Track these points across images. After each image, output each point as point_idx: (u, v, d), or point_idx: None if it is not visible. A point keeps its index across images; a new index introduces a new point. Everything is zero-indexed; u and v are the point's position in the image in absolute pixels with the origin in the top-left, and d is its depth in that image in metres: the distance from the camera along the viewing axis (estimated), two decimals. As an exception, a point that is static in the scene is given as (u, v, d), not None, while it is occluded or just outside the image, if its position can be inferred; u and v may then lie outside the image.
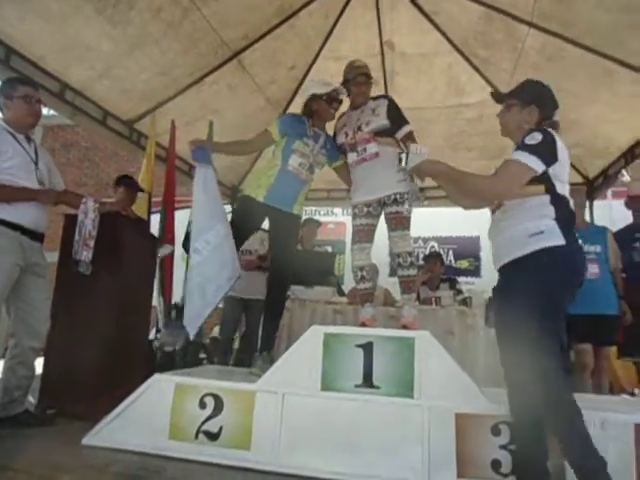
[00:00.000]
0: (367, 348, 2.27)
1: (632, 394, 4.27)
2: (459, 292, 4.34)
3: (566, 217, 1.89)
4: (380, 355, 2.25)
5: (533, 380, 1.75)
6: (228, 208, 4.08)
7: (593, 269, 3.51)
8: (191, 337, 2.95)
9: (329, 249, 6.61)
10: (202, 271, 2.69)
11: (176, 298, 4.32)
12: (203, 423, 2.30)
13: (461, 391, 2.16)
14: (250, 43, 4.18)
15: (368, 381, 2.23)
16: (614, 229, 3.92)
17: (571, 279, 1.88)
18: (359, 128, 2.79)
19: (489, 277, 2.19)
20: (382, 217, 2.82)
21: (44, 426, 2.62)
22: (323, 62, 4.65)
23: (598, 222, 4.44)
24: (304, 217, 3.57)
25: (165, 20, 3.49)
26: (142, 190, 4.01)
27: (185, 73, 4.12)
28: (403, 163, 2.23)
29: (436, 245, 8.16)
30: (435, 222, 7.10)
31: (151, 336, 4.25)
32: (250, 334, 4.26)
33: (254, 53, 4.26)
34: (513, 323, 1.85)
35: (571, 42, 3.61)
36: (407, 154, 2.21)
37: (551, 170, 1.87)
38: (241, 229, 2.86)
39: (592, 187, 5.08)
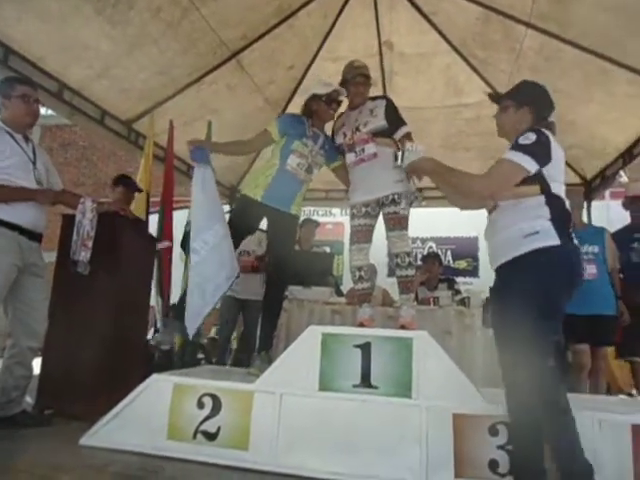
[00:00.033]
0: (365, 348, 2.27)
1: (630, 394, 4.28)
2: (457, 292, 4.34)
3: (561, 217, 1.90)
4: (378, 355, 2.25)
5: (529, 380, 1.76)
6: (227, 208, 4.08)
7: (591, 269, 3.52)
8: (190, 337, 2.95)
9: (327, 249, 6.62)
10: (200, 271, 2.69)
11: (174, 298, 4.32)
12: (201, 423, 2.30)
13: (459, 391, 2.16)
14: (249, 43, 4.18)
15: (366, 381, 2.23)
16: (612, 230, 3.92)
17: (567, 279, 1.89)
18: (357, 129, 2.79)
19: (487, 277, 2.19)
20: (380, 217, 2.83)
21: (42, 426, 2.61)
22: (321, 62, 4.66)
23: (596, 223, 4.45)
24: (302, 217, 3.57)
25: (164, 20, 3.49)
26: (140, 190, 4.01)
27: (184, 73, 4.12)
28: (399, 161, 2.25)
29: (434, 245, 8.18)
30: (433, 222, 7.11)
31: (149, 336, 4.25)
32: (248, 334, 4.27)
33: (253, 53, 4.27)
34: (509, 323, 1.86)
35: (568, 43, 3.62)
36: (403, 152, 2.23)
37: (545, 170, 1.88)
38: (239, 229, 2.86)
39: (590, 188, 5.10)
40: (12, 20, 3.09)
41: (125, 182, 3.84)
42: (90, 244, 2.71)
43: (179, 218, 4.52)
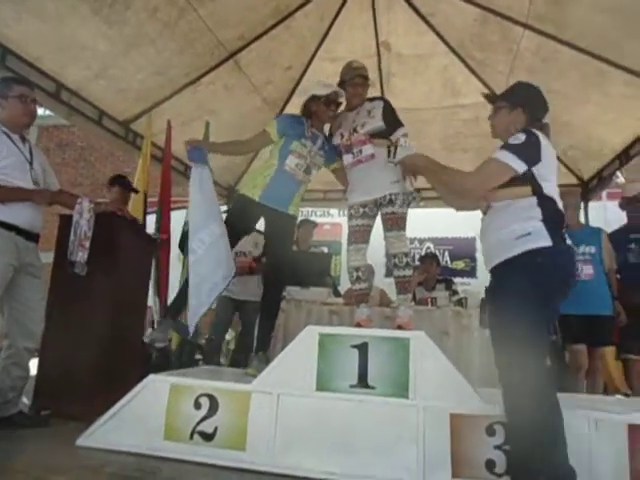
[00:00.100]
0: (362, 348, 2.27)
1: (626, 395, 4.29)
2: (455, 293, 4.35)
3: (554, 218, 1.91)
4: (375, 355, 2.25)
5: (525, 380, 1.76)
6: (224, 208, 4.07)
7: (588, 270, 3.54)
8: (189, 336, 2.95)
9: (325, 250, 6.62)
10: (198, 270, 2.69)
11: (171, 298, 4.31)
12: (198, 424, 2.29)
13: (456, 391, 2.17)
14: (246, 44, 4.18)
15: (363, 381, 2.23)
16: (609, 230, 3.93)
17: (560, 280, 1.90)
18: (355, 130, 2.79)
19: (485, 278, 2.20)
20: (378, 218, 2.83)
21: (38, 427, 2.60)
22: (319, 63, 4.67)
23: (593, 223, 4.46)
24: (300, 218, 3.57)
25: (161, 20, 3.49)
26: (136, 191, 3.99)
27: (181, 73, 4.11)
28: (391, 156, 2.27)
29: (432, 246, 8.18)
30: (431, 223, 7.12)
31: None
32: (245, 335, 4.26)
33: (250, 54, 4.27)
34: (504, 324, 1.87)
35: (566, 44, 3.63)
36: (396, 147, 2.26)
37: (535, 170, 1.89)
38: (236, 228, 2.85)
39: (587, 188, 5.11)
40: (9, 20, 3.09)
41: (121, 182, 3.83)
42: (87, 244, 2.70)
43: (177, 218, 4.52)
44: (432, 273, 4.80)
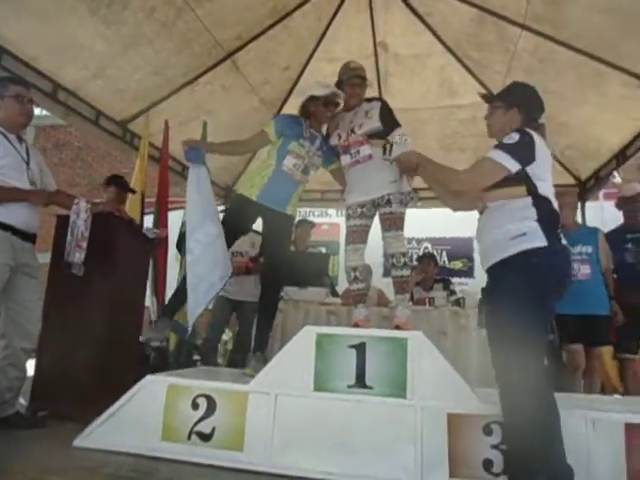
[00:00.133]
0: (360, 348, 2.27)
1: (623, 394, 4.30)
2: (452, 293, 4.36)
3: (549, 218, 1.91)
4: (373, 355, 2.25)
5: (521, 380, 1.77)
6: (222, 208, 4.07)
7: (584, 270, 3.54)
8: (187, 335, 2.94)
9: (323, 250, 6.62)
10: (195, 270, 2.69)
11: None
12: (196, 424, 2.29)
13: (453, 391, 2.17)
14: (244, 44, 4.18)
15: (361, 381, 2.23)
16: (606, 230, 3.94)
17: (555, 280, 1.90)
18: (352, 130, 2.79)
19: (482, 278, 2.21)
20: (376, 218, 2.83)
21: (35, 428, 2.60)
22: (317, 63, 4.66)
23: (590, 223, 4.48)
24: (298, 218, 3.57)
25: (159, 20, 3.48)
26: (133, 191, 3.99)
27: (179, 73, 4.11)
28: (387, 154, 2.26)
29: (430, 246, 8.19)
30: (429, 223, 7.11)
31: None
32: (243, 335, 4.25)
33: (248, 54, 4.26)
34: (501, 324, 1.87)
35: (563, 44, 3.64)
36: (391, 145, 2.25)
37: (530, 169, 1.90)
38: (233, 228, 2.85)
39: (584, 188, 5.13)
40: (5, 19, 3.08)
41: (118, 182, 3.82)
42: (84, 245, 2.69)
43: (174, 219, 4.50)
44: (430, 273, 4.80)
